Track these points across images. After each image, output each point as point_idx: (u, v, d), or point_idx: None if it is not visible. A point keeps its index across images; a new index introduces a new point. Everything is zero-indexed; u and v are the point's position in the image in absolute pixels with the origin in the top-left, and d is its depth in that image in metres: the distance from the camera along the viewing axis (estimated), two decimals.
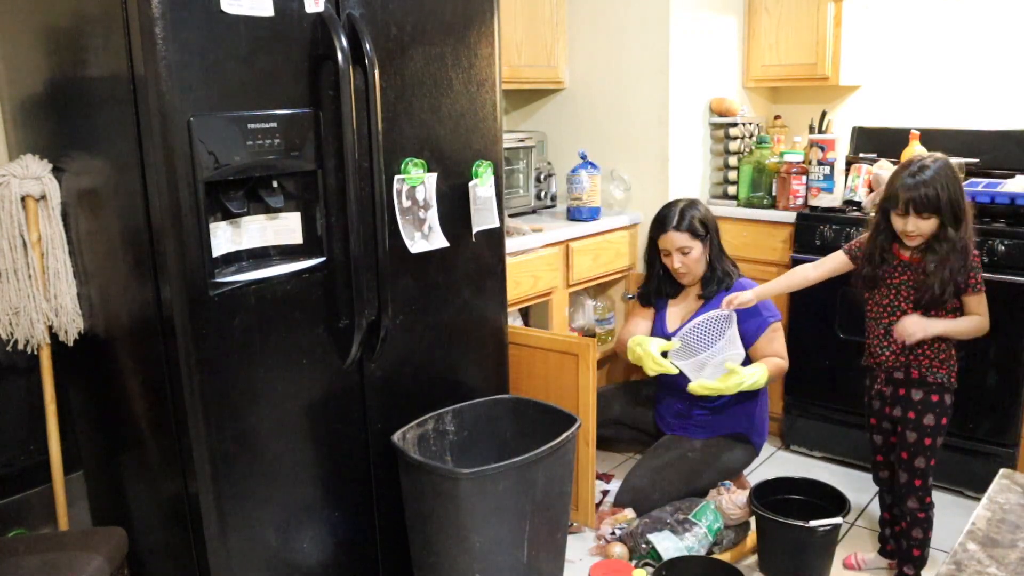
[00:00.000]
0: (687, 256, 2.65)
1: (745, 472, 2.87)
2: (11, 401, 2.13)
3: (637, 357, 2.58)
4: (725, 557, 2.37)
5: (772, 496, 2.44)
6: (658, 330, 2.78)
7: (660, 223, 2.70)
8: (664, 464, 2.64)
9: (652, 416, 2.87)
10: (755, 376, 2.48)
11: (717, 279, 2.68)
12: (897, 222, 2.08)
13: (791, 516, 2.30)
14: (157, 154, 1.58)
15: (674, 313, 2.78)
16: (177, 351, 1.66)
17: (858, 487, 2.87)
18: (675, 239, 2.65)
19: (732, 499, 2.48)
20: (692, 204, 2.71)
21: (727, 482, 2.60)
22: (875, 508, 2.74)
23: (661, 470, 2.63)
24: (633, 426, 2.94)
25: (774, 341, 2.62)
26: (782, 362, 2.63)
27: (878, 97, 3.46)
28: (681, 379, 2.69)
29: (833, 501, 2.39)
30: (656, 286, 2.80)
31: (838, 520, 2.26)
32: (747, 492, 2.48)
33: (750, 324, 2.59)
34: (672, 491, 2.59)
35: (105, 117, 1.71)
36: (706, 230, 2.67)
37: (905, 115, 3.37)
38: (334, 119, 1.81)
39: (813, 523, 2.23)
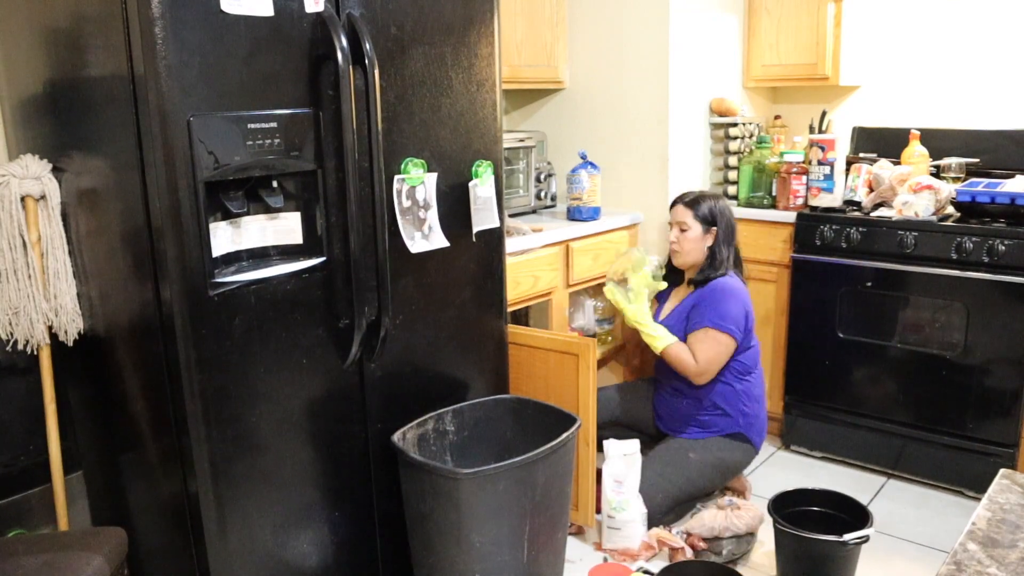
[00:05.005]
0: (683, 234, 2.70)
1: (745, 472, 2.87)
2: (11, 401, 2.12)
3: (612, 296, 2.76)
4: None
5: (785, 510, 2.38)
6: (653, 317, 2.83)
7: (676, 199, 2.79)
8: (666, 467, 2.64)
9: (651, 417, 2.87)
10: (652, 329, 2.66)
11: (710, 267, 2.70)
12: None
13: (801, 527, 2.25)
14: (157, 154, 1.58)
15: (669, 303, 2.83)
16: (177, 351, 1.66)
17: (858, 488, 2.87)
18: (678, 213, 2.73)
19: (736, 514, 2.46)
20: (714, 196, 2.76)
21: (731, 498, 2.58)
22: (876, 509, 2.74)
23: (663, 473, 2.62)
24: (632, 427, 2.93)
25: (699, 342, 2.61)
26: (689, 361, 2.60)
27: (878, 97, 3.46)
28: (680, 378, 2.70)
29: (841, 509, 2.35)
30: (666, 273, 2.84)
31: (869, 531, 2.22)
32: (751, 506, 2.47)
33: (695, 316, 2.65)
34: (675, 493, 2.60)
35: (105, 117, 1.71)
36: (713, 220, 2.70)
37: (905, 115, 3.37)
38: (334, 119, 1.81)
39: (847, 536, 2.19)
